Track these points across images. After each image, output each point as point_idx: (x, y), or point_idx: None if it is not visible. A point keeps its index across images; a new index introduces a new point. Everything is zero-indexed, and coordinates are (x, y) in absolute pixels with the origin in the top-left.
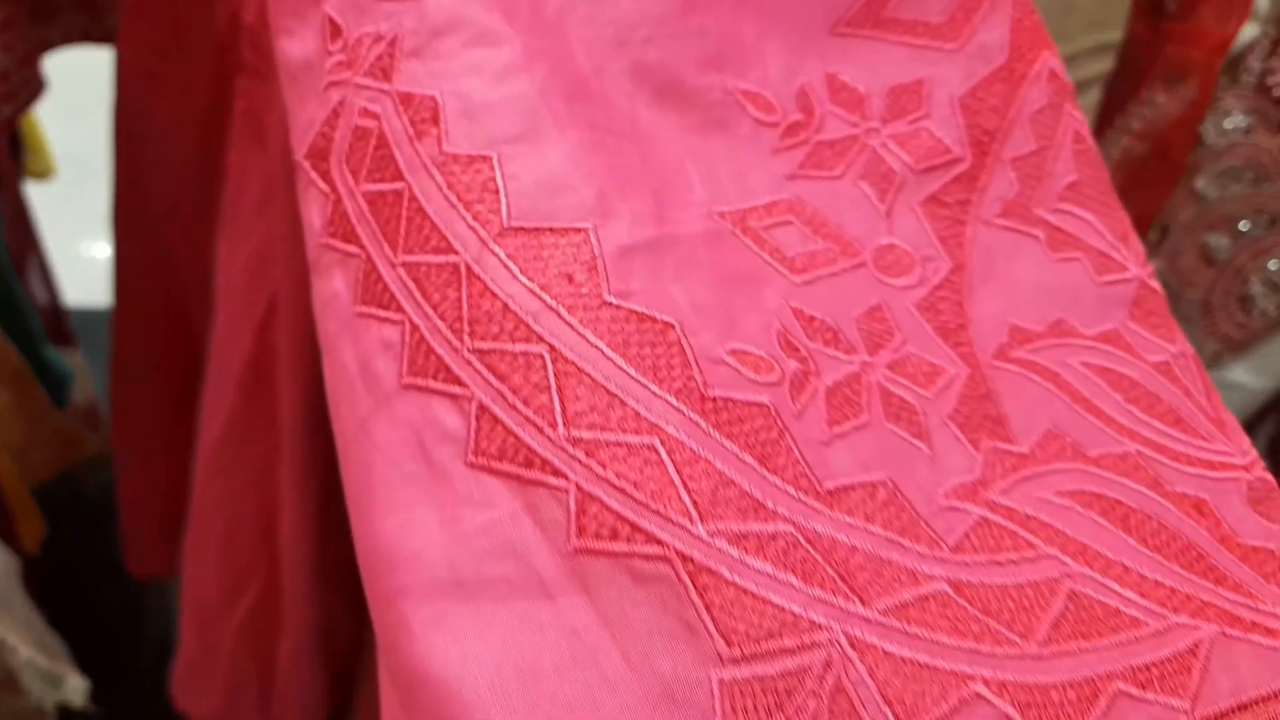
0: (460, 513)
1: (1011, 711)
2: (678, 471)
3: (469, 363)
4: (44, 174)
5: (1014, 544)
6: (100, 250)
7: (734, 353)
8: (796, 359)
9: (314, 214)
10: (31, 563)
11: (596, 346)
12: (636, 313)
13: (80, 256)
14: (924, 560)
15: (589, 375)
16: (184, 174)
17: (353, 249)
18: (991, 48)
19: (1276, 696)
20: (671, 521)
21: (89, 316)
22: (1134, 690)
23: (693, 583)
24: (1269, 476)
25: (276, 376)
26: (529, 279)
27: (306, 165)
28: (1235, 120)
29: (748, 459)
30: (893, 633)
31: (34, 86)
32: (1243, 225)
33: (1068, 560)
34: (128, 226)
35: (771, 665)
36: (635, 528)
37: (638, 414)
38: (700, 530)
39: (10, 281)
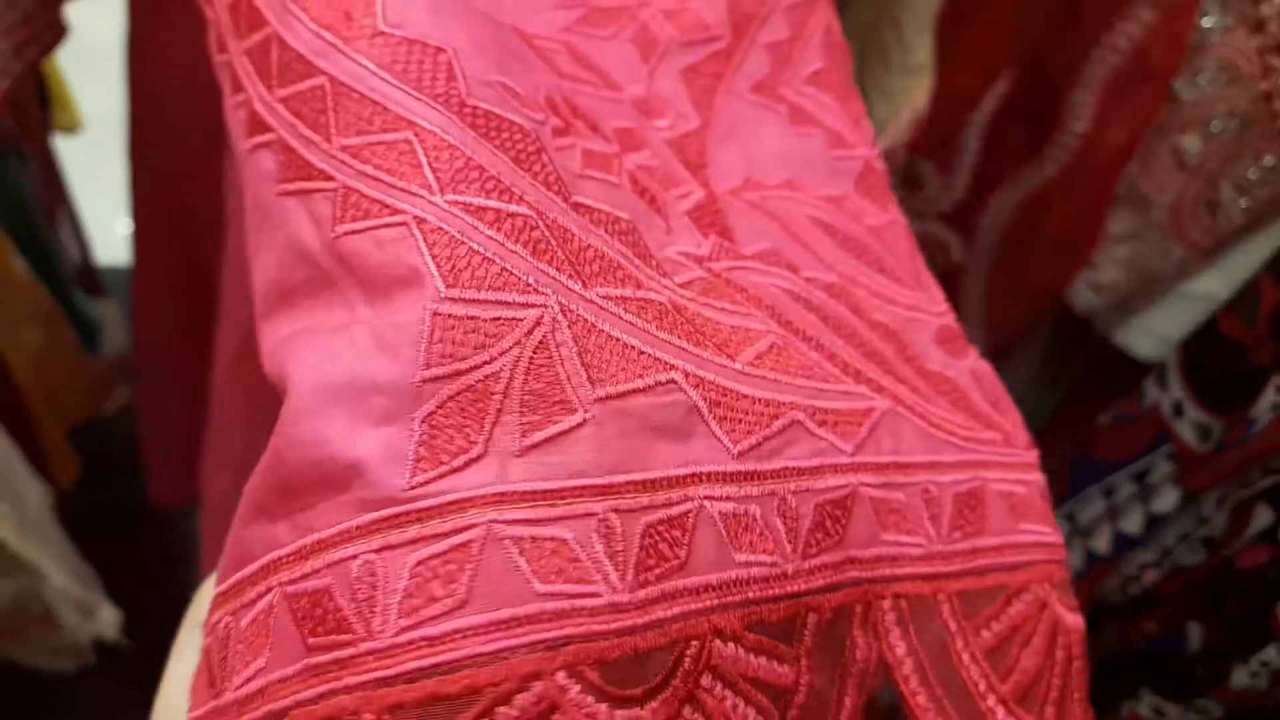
0: (274, 237)
1: (701, 404)
2: (426, 155)
3: (274, 109)
4: (71, 128)
5: (730, 299)
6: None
7: (501, 83)
8: (559, 117)
9: (213, 39)
10: (65, 506)
11: (365, 67)
12: (409, 39)
13: (116, 231)
14: (652, 275)
15: (358, 92)
16: (191, 102)
17: (222, 55)
18: None
19: (928, 466)
20: (412, 193)
21: (119, 276)
22: (810, 424)
23: (423, 237)
24: (956, 325)
25: None
26: (315, 23)
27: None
28: (1213, 19)
29: (501, 156)
30: (608, 315)
31: (56, 30)
32: (1214, 126)
33: (773, 324)
34: (141, 161)
35: (485, 310)
36: (384, 205)
37: (398, 116)
38: (439, 199)
39: (40, 227)
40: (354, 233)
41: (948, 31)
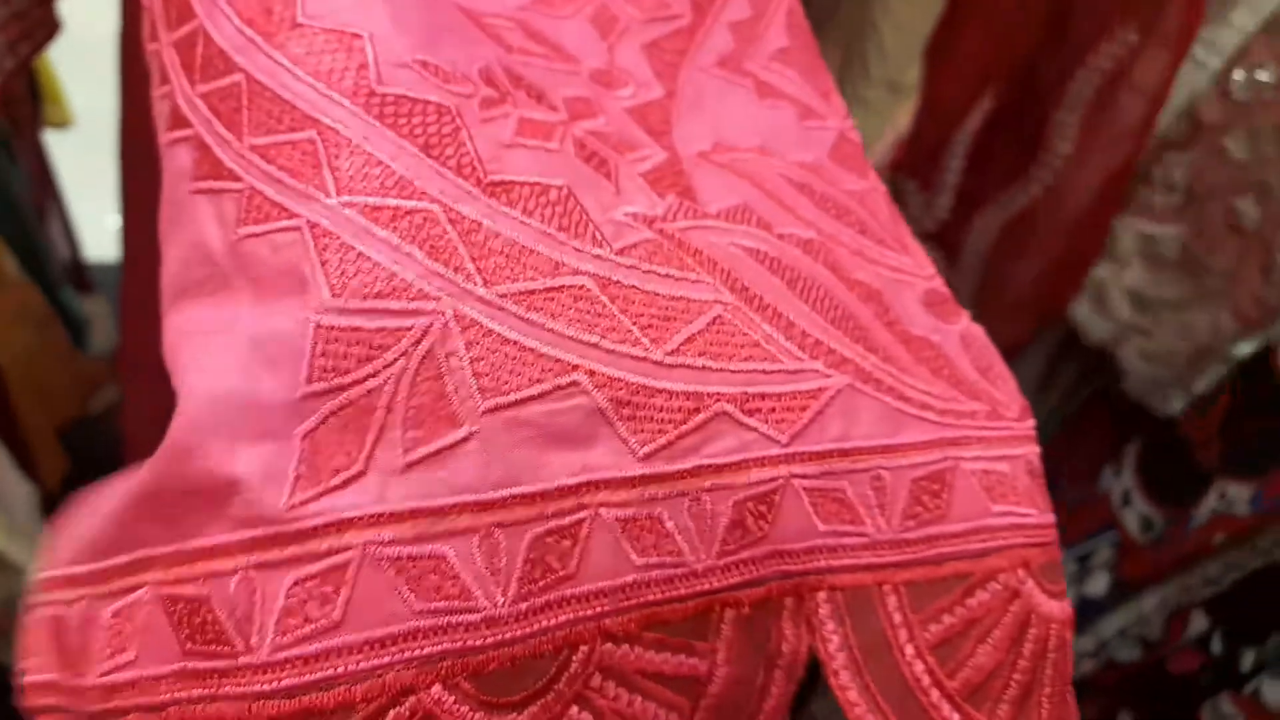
0: (183, 235)
1: (605, 404)
2: (326, 155)
3: (194, 105)
4: (62, 123)
5: (679, 264)
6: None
7: (421, 62)
8: (496, 89)
9: (146, 30)
10: (51, 503)
11: (280, 64)
12: (325, 29)
13: (105, 226)
14: (576, 255)
15: (270, 90)
16: None
17: (152, 45)
18: None
19: (883, 450)
20: (307, 196)
21: (108, 272)
22: (739, 414)
23: (314, 243)
24: (945, 290)
25: None
26: (238, 17)
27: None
28: (1267, 74)
29: (407, 145)
30: (505, 315)
31: (49, 27)
32: (1275, 189)
33: (724, 291)
34: (133, 163)
35: (371, 320)
36: (283, 209)
37: (305, 114)
38: (333, 201)
39: (31, 225)
40: (254, 235)
41: (934, 47)
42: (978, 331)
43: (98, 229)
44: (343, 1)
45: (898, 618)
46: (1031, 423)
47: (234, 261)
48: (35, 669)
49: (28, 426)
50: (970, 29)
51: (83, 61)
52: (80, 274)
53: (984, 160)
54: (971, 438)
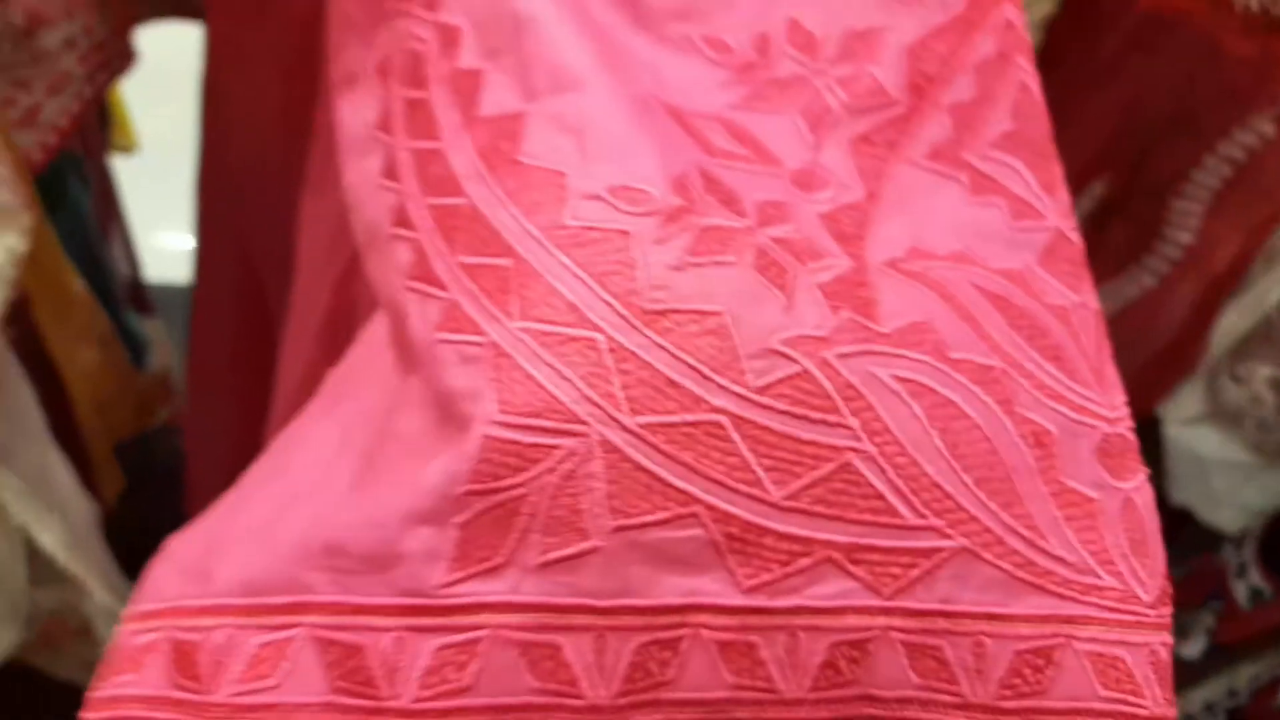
0: (393, 321)
1: (718, 538)
2: (515, 282)
3: (422, 215)
4: (127, 148)
5: (820, 404)
6: (174, 240)
7: (611, 189)
8: (683, 198)
9: (370, 112)
10: (106, 520)
11: (497, 195)
12: (536, 167)
13: (157, 246)
14: (718, 392)
15: (484, 216)
16: (266, 138)
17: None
18: None
19: (988, 617)
20: (494, 317)
21: (162, 292)
22: (844, 561)
23: (494, 363)
24: (1130, 435)
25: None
26: (473, 148)
27: (374, 77)
28: None
29: (583, 275)
30: (643, 445)
31: (126, 58)
32: None
33: (863, 437)
34: (211, 195)
35: (527, 436)
36: (474, 325)
37: (505, 242)
38: (514, 325)
39: (98, 248)
40: (447, 342)
41: None
42: (1146, 497)
43: (146, 248)
44: (555, 142)
45: None
46: (1167, 610)
47: (427, 357)
48: (136, 684)
49: (89, 443)
50: (1083, 113)
51: (138, 86)
52: (140, 295)
53: (1094, 248)
54: (1092, 617)
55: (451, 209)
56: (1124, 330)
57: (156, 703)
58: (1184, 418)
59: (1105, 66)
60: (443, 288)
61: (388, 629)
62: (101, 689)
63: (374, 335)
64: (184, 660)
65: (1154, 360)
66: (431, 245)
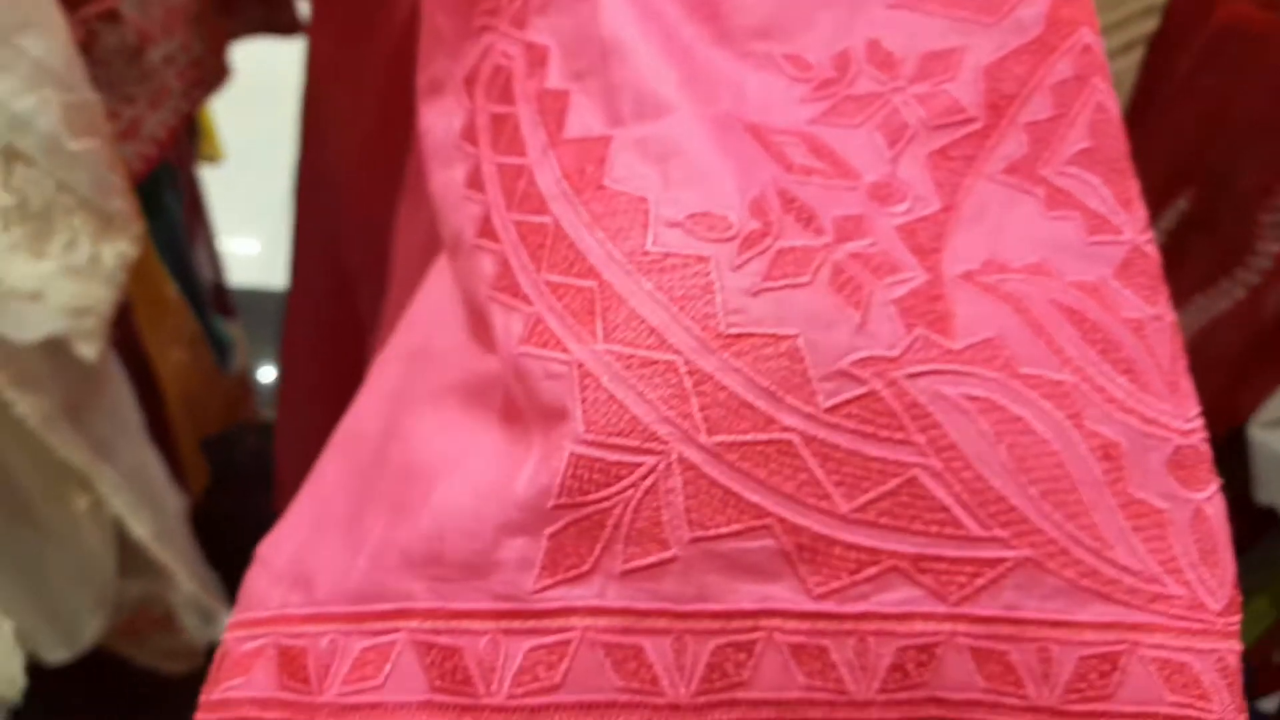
0: (476, 329)
1: (790, 548)
2: (600, 305)
3: (507, 227)
4: (213, 158)
5: (887, 423)
6: (240, 246)
7: (692, 215)
8: (761, 221)
9: (456, 122)
10: (195, 511)
11: (582, 218)
12: (621, 192)
13: (229, 251)
14: (788, 412)
15: (569, 238)
16: (364, 149)
17: (470, 149)
18: (1027, 21)
19: (1053, 624)
20: (580, 338)
21: (241, 296)
22: (911, 570)
23: (580, 382)
24: (1204, 447)
25: None
26: (559, 170)
27: (462, 88)
28: None
29: (663, 299)
30: (719, 462)
31: (221, 73)
32: None
33: (929, 453)
34: (307, 203)
35: (611, 454)
36: (559, 343)
37: (590, 265)
38: (599, 347)
39: (188, 254)
40: (531, 356)
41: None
42: (1217, 508)
43: (230, 257)
44: (638, 168)
45: None
46: (1236, 619)
47: (512, 370)
48: (246, 686)
49: (178, 439)
50: (1165, 124)
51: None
52: (223, 299)
53: (1178, 263)
54: (1158, 625)
55: (537, 226)
56: (1213, 344)
57: (267, 703)
58: (1268, 420)
59: (1181, 84)
60: (527, 301)
61: (483, 632)
62: (213, 692)
63: (458, 340)
64: (291, 664)
65: (1237, 372)
66: (516, 259)
